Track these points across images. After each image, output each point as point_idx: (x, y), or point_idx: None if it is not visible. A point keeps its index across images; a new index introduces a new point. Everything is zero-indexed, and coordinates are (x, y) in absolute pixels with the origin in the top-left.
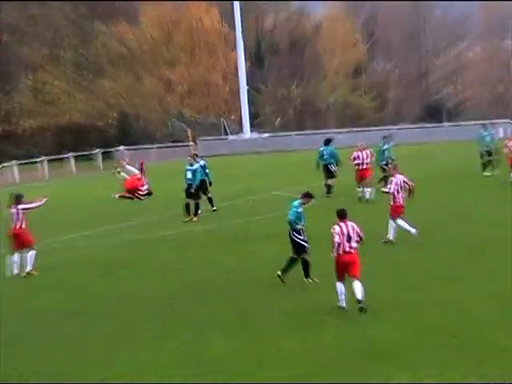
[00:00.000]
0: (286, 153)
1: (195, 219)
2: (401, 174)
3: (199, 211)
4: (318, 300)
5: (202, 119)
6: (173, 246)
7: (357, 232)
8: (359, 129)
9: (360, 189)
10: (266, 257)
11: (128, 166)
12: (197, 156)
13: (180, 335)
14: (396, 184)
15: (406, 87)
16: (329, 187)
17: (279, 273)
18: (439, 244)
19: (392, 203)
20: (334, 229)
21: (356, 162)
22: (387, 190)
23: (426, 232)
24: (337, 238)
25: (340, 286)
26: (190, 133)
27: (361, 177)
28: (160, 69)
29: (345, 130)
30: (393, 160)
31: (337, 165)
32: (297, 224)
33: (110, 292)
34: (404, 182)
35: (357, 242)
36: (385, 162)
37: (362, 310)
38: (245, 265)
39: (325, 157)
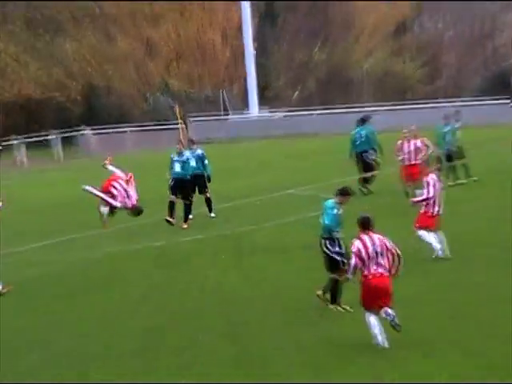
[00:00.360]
0: (306, 137)
1: (185, 226)
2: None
3: (190, 215)
4: (344, 332)
5: (195, 92)
6: (157, 262)
7: (387, 247)
8: (403, 106)
9: (417, 190)
10: (277, 277)
11: (110, 167)
12: (193, 143)
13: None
14: (435, 188)
15: (464, 51)
16: (366, 181)
17: (319, 292)
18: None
19: (424, 211)
20: (353, 245)
21: (402, 156)
22: (425, 196)
23: (476, 246)
24: (354, 260)
25: (373, 321)
26: (178, 110)
27: (411, 176)
28: (139, 26)
29: (384, 107)
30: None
31: (380, 152)
32: (337, 232)
33: (76, 322)
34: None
35: (389, 261)
36: (455, 148)
37: (395, 326)
38: (250, 287)
39: (360, 141)
